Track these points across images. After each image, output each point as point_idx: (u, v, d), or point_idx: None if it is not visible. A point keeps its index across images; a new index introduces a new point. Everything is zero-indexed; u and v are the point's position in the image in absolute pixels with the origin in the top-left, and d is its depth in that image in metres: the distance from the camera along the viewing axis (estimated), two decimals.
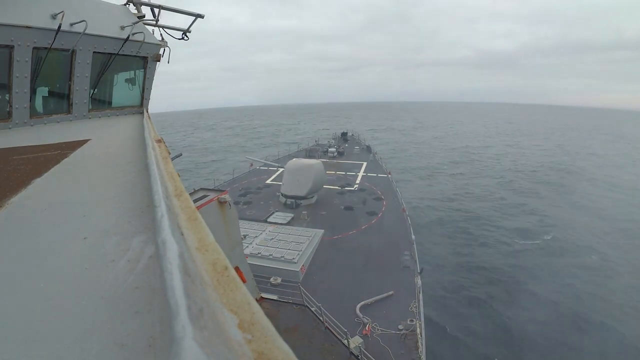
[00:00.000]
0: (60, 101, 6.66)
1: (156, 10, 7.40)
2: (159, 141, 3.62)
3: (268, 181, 32.00)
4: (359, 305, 13.26)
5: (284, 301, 13.23)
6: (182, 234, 1.11)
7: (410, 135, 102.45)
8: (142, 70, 7.85)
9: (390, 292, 14.14)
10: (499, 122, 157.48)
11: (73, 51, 6.19)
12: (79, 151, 4.41)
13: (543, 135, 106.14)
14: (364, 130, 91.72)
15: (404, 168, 55.70)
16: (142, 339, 1.04)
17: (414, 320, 12.10)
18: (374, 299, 13.77)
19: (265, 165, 35.67)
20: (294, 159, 28.18)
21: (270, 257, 16.68)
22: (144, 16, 7.44)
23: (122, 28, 6.83)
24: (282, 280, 14.94)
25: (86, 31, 5.89)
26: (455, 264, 23.88)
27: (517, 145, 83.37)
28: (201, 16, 7.80)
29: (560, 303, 19.14)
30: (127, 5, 7.44)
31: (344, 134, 60.62)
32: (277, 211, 23.97)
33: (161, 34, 7.99)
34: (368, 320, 12.48)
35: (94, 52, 6.55)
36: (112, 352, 1.01)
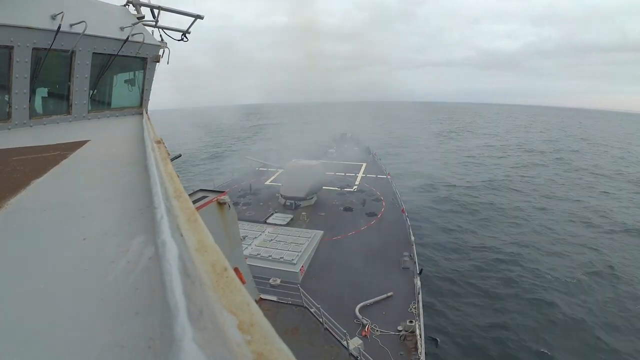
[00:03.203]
0: (59, 102, 6.66)
1: (156, 11, 7.43)
2: (158, 142, 3.62)
3: (267, 182, 31.99)
4: (358, 307, 13.25)
5: (284, 302, 13.21)
6: (182, 235, 1.11)
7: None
8: (142, 71, 7.86)
9: (390, 293, 14.14)
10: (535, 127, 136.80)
11: (73, 52, 6.19)
12: (78, 152, 4.40)
13: None
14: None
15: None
16: (141, 340, 1.04)
17: (414, 321, 12.10)
18: (374, 300, 13.76)
19: (264, 166, 35.67)
20: (294, 160, 28.19)
21: (270, 258, 16.67)
22: (143, 17, 7.47)
23: (122, 29, 6.84)
24: (281, 282, 14.92)
25: (86, 32, 5.90)
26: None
27: None
28: (201, 17, 7.82)
29: (557, 305, 19.03)
30: (127, 6, 7.46)
31: (343, 135, 60.57)
32: (276, 212, 23.97)
33: (161, 35, 8.01)
34: (367, 321, 12.47)
35: (93, 52, 6.55)
36: (112, 353, 1.01)
